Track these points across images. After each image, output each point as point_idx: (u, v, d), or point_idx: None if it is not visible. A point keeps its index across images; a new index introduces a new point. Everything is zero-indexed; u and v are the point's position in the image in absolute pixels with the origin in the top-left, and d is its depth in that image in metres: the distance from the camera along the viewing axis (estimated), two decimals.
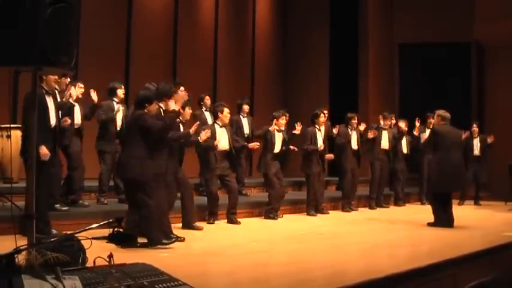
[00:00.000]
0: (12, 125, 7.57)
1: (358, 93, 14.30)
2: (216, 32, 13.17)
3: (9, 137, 7.44)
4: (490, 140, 11.62)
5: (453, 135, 8.18)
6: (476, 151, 11.57)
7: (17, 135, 7.35)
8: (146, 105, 6.00)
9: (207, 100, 9.64)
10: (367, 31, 14.28)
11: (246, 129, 9.90)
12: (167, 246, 5.74)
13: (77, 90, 7.24)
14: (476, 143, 11.62)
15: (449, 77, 14.18)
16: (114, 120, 7.87)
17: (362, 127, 10.29)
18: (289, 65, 15.07)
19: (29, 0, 3.66)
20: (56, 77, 6.15)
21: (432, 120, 10.41)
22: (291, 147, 9.15)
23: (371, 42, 14.30)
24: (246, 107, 10.04)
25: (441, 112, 8.19)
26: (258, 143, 8.91)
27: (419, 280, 4.90)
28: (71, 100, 6.97)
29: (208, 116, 9.33)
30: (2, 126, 7.52)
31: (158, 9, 11.90)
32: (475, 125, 11.70)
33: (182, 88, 7.85)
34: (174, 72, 12.09)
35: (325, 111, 11.13)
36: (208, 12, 13.04)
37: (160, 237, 5.79)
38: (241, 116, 9.92)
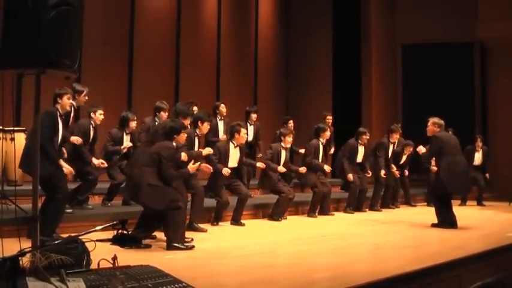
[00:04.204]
0: (15, 128, 7.60)
1: (361, 94, 14.30)
2: (218, 36, 13.18)
3: (13, 139, 7.46)
4: (487, 176, 11.84)
5: (453, 140, 8.26)
6: (477, 162, 11.73)
7: (20, 138, 7.37)
8: (175, 136, 6.15)
9: (222, 108, 9.58)
10: (370, 32, 14.27)
11: (250, 137, 9.91)
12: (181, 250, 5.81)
13: (97, 117, 7.53)
14: (478, 156, 11.79)
15: (452, 77, 14.15)
16: (119, 153, 8.00)
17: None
18: (292, 67, 15.07)
19: (32, 2, 3.66)
20: (71, 101, 6.25)
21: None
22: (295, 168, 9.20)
23: (374, 43, 14.29)
24: (254, 116, 10.07)
25: (436, 119, 8.20)
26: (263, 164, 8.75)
27: (424, 281, 4.89)
28: (92, 123, 7.49)
29: (221, 125, 9.30)
30: (6, 129, 7.54)
31: (161, 13, 11.91)
32: (479, 139, 11.83)
33: (195, 108, 8.03)
34: (177, 76, 12.11)
35: (330, 117, 11.19)
36: (210, 15, 13.05)
37: (179, 241, 5.87)
38: (248, 123, 9.94)
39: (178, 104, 7.20)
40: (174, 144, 6.16)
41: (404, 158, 10.99)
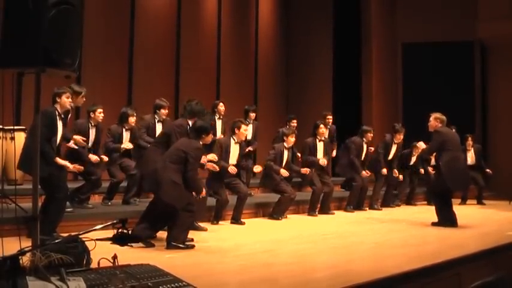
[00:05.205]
0: (16, 127, 7.60)
1: (361, 93, 14.30)
2: (219, 35, 13.19)
3: (13, 139, 7.46)
4: (489, 171, 11.79)
5: (455, 136, 8.27)
6: (470, 161, 11.64)
7: (20, 137, 7.37)
8: (203, 136, 6.15)
9: (221, 107, 9.55)
10: (370, 31, 14.27)
11: (249, 136, 9.91)
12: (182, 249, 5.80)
13: (97, 115, 7.53)
14: (471, 155, 11.75)
15: (452, 76, 14.14)
16: (119, 150, 7.98)
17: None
18: (292, 66, 15.06)
19: (32, 1, 3.66)
20: (71, 99, 6.22)
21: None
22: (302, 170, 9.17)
23: (374, 42, 14.29)
24: (252, 114, 10.06)
25: (438, 115, 8.16)
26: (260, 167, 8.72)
27: (424, 280, 4.89)
28: (91, 122, 7.49)
29: (219, 124, 9.32)
30: (6, 128, 7.54)
31: (161, 12, 11.91)
32: (469, 138, 11.77)
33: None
34: (177, 75, 12.11)
35: (330, 117, 11.19)
36: (211, 14, 13.05)
37: (181, 242, 5.86)
38: (246, 122, 9.95)
39: (193, 103, 7.04)
40: (201, 143, 6.16)
41: (414, 159, 11.06)
